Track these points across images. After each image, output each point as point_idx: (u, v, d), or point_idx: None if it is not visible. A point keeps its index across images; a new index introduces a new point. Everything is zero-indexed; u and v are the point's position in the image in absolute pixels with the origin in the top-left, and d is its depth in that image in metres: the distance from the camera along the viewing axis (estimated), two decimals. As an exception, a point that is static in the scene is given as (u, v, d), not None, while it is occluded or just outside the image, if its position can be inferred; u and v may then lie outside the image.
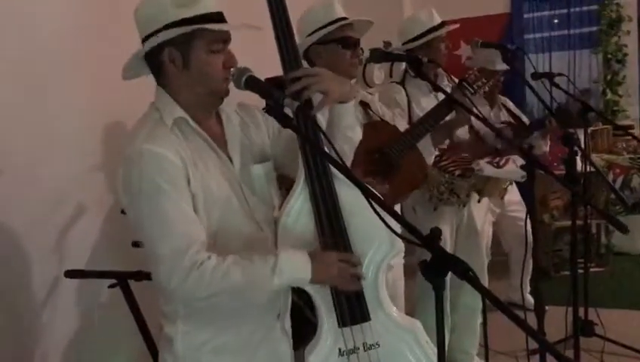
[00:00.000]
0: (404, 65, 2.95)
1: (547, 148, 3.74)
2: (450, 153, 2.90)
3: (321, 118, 1.80)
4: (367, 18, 2.41)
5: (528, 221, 2.12)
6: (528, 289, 4.30)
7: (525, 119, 4.02)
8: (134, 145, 1.51)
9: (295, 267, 1.56)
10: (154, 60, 1.59)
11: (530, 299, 4.27)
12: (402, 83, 3.03)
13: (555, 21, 5.96)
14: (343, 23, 2.32)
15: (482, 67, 2.65)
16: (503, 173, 2.81)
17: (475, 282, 1.14)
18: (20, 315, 2.38)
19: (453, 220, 3.12)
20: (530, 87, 3.02)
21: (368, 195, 1.32)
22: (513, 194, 4.12)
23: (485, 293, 1.15)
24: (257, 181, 1.70)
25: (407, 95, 2.94)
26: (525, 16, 6.01)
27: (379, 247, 1.69)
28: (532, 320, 3.74)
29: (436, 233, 1.19)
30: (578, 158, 2.61)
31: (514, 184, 4.11)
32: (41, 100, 2.44)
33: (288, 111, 1.51)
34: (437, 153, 2.87)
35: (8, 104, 2.28)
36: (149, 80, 1.66)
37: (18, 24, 2.35)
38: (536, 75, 4.59)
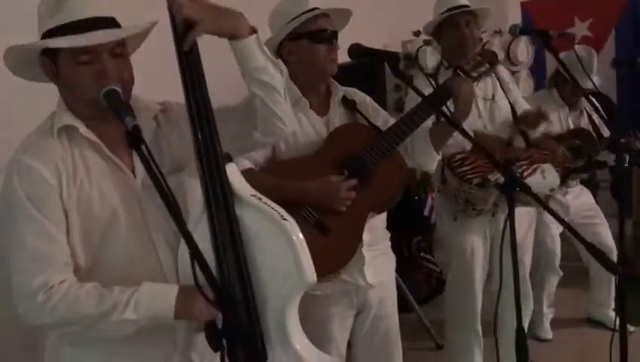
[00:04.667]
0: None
1: None
2: (474, 156, 2.56)
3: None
4: (344, 7, 2.14)
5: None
6: (612, 306, 3.82)
7: (606, 132, 3.53)
8: (13, 155, 1.47)
9: (156, 300, 1.43)
10: None
11: (612, 317, 3.80)
12: (435, 75, 2.74)
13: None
14: (312, 14, 2.07)
15: (487, 49, 2.30)
16: (525, 186, 2.40)
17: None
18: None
19: (485, 230, 2.78)
20: (579, 88, 2.59)
21: (188, 239, 1.15)
22: (584, 198, 3.64)
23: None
24: None
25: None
26: (654, -12, 5.24)
27: (285, 280, 1.47)
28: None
29: (229, 286, 0.99)
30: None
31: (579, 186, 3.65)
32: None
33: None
34: (460, 156, 2.56)
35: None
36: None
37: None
38: (615, 63, 4.02)
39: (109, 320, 1.42)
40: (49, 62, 1.48)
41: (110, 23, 1.47)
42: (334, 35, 2.13)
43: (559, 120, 3.56)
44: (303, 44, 2.10)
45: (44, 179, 1.43)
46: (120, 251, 1.51)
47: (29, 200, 1.42)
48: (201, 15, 1.42)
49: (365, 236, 2.14)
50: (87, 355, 1.55)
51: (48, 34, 1.44)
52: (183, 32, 1.44)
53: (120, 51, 1.48)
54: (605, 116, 3.43)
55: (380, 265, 2.26)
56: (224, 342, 1.03)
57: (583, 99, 3.55)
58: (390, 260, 2.38)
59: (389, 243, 2.35)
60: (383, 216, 2.28)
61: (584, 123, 3.61)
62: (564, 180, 3.20)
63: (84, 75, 1.44)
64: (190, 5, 1.42)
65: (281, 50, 2.17)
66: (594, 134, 3.48)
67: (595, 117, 3.57)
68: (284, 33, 2.11)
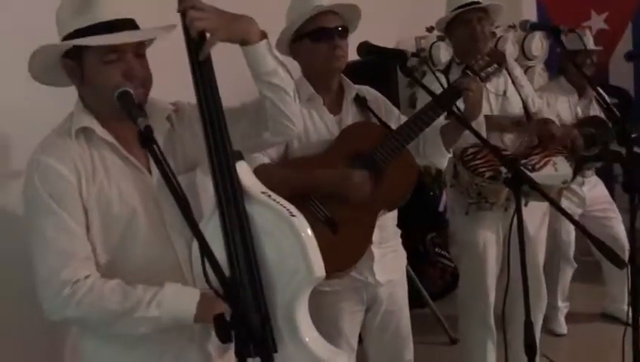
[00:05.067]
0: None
1: None
2: (487, 150, 2.56)
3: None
4: (348, 2, 2.13)
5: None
6: (627, 300, 3.79)
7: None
8: (32, 155, 1.52)
9: (178, 301, 1.49)
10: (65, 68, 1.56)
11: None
12: (446, 72, 2.75)
13: None
14: (311, 12, 2.06)
15: (496, 49, 2.31)
16: (537, 178, 2.40)
17: None
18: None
19: (499, 226, 2.77)
20: (587, 77, 2.59)
21: (199, 238, 1.18)
22: (598, 191, 3.62)
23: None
24: None
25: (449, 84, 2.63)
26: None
27: (294, 275, 1.51)
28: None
29: (235, 282, 1.03)
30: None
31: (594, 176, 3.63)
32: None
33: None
34: (472, 150, 2.57)
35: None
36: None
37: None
38: (628, 56, 3.98)
39: (131, 317, 1.47)
40: (72, 64, 1.52)
41: (131, 24, 1.53)
42: (342, 31, 2.12)
43: (569, 107, 3.56)
44: (305, 44, 2.13)
45: (63, 176, 1.49)
46: (139, 249, 1.56)
47: (50, 197, 1.47)
48: (215, 26, 1.47)
49: (375, 234, 2.15)
50: (108, 344, 1.60)
51: (74, 35, 1.48)
52: (198, 43, 1.48)
53: (142, 51, 1.54)
54: (609, 105, 3.44)
55: (389, 262, 2.28)
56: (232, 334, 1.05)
57: (595, 89, 3.54)
58: (400, 258, 2.39)
59: (400, 241, 2.37)
60: (394, 213, 2.29)
61: (594, 112, 3.58)
62: (580, 168, 3.19)
63: (112, 72, 1.49)
64: (203, 17, 1.46)
65: (293, 52, 2.20)
66: (608, 122, 3.45)
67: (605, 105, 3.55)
68: (288, 34, 2.13)
